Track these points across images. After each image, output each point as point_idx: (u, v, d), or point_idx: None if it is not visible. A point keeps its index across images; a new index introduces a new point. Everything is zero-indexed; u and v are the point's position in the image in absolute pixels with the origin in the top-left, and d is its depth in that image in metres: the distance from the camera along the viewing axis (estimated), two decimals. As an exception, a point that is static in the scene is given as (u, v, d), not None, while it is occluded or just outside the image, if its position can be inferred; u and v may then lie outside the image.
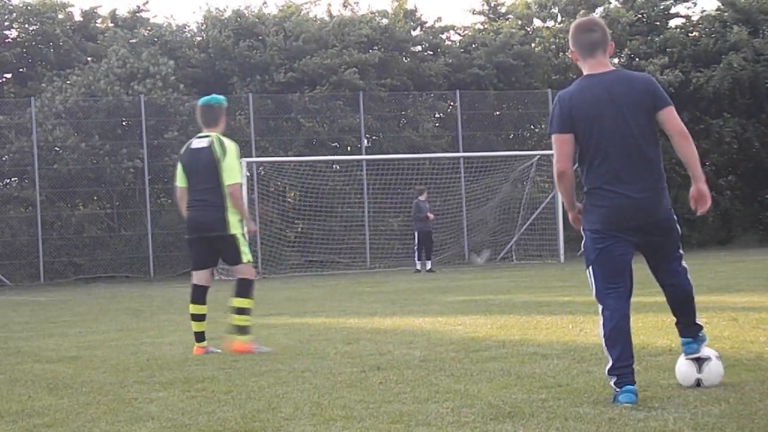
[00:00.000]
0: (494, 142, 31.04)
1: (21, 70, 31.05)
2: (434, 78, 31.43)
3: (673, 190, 33.20)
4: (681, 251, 6.11)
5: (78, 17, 31.46)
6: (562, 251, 27.33)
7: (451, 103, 31.29)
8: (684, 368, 6.14)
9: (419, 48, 33.10)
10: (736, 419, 4.96)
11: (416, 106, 31.33)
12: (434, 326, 10.22)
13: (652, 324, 9.35)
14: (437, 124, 31.75)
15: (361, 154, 29.41)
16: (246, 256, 8.78)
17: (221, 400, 6.22)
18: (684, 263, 6.11)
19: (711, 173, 33.15)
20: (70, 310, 15.66)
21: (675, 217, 6.13)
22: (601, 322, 5.85)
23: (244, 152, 28.48)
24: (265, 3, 49.26)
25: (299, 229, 28.95)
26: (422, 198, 24.88)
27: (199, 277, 8.93)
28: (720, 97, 32.39)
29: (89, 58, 30.14)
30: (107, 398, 6.49)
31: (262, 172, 28.00)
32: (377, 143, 30.80)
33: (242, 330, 8.70)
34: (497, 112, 32.34)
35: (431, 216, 24.68)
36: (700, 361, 6.09)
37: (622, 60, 33.44)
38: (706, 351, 6.19)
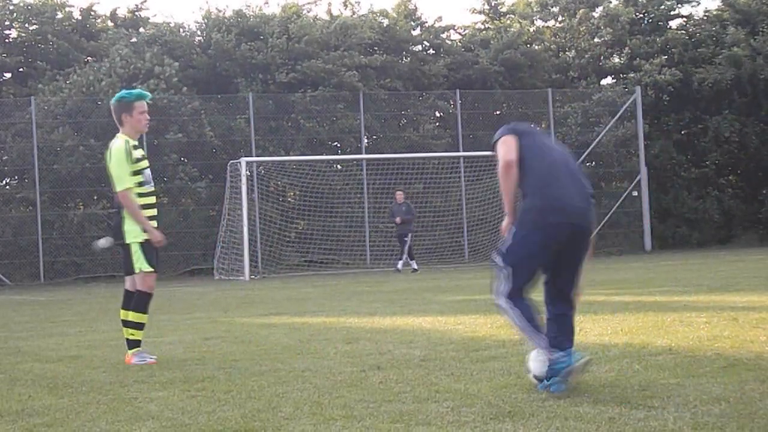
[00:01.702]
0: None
1: (20, 70, 31.06)
2: (434, 78, 31.45)
3: (672, 189, 33.36)
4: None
5: (77, 16, 31.45)
6: (562, 251, 27.30)
7: (452, 103, 31.31)
8: (533, 361, 6.30)
9: (420, 48, 33.12)
10: (736, 419, 4.96)
11: (416, 106, 31.34)
12: (434, 326, 10.22)
13: (651, 323, 9.35)
14: (437, 124, 31.76)
15: (361, 154, 29.41)
16: (138, 265, 8.28)
17: (221, 399, 6.22)
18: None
19: (711, 172, 33.18)
20: (71, 310, 15.67)
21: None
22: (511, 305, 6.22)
23: (245, 152, 28.56)
24: (266, 2, 49.27)
25: (299, 229, 28.96)
26: (397, 200, 25.05)
27: (127, 282, 8.56)
28: (719, 95, 32.40)
29: (89, 58, 30.14)
30: (107, 398, 6.49)
31: (263, 172, 28.01)
32: (377, 143, 30.81)
33: (128, 343, 8.32)
34: (497, 112, 32.35)
35: (398, 220, 24.84)
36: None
37: (622, 59, 33.45)
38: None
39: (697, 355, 7.13)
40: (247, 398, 6.21)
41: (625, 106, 31.31)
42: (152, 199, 8.46)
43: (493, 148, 6.37)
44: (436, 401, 5.83)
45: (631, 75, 32.29)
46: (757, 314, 9.68)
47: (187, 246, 27.82)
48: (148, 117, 8.49)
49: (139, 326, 8.37)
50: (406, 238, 24.74)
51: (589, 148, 31.09)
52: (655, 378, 6.26)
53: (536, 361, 6.12)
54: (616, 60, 34.01)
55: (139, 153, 8.43)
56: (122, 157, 8.25)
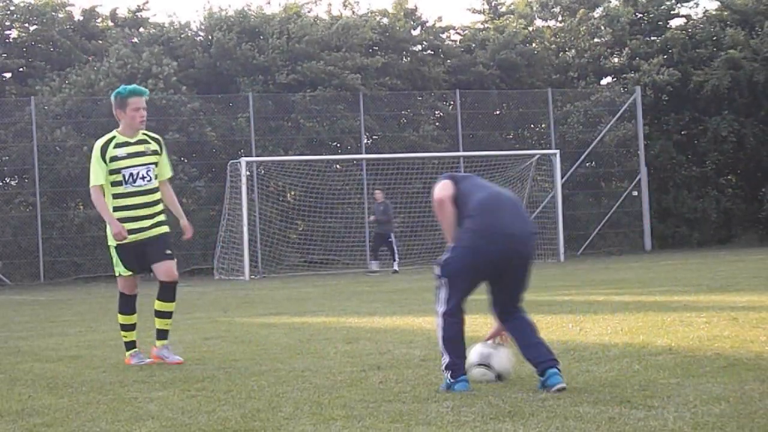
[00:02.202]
0: (494, 142, 31.05)
1: (21, 69, 31.06)
2: (434, 78, 31.44)
3: (672, 189, 33.36)
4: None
5: (78, 16, 31.45)
6: (562, 251, 27.33)
7: (451, 103, 31.31)
8: (473, 354, 6.57)
9: (419, 48, 33.11)
10: (736, 419, 4.96)
11: (416, 107, 31.34)
12: (434, 325, 10.21)
13: (651, 323, 9.35)
14: (437, 124, 31.76)
15: (361, 154, 29.41)
16: (116, 269, 8.29)
17: (221, 399, 6.22)
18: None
19: (711, 172, 33.18)
20: (71, 310, 15.67)
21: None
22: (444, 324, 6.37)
23: (245, 152, 28.56)
24: (268, 2, 49.27)
25: (299, 229, 28.95)
26: (376, 199, 25.05)
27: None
28: (718, 96, 32.41)
29: (90, 58, 30.14)
30: (107, 397, 6.49)
31: (263, 172, 28.01)
32: (377, 143, 30.81)
33: (124, 345, 8.40)
34: (497, 112, 32.35)
35: (371, 219, 25.05)
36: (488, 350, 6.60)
37: (622, 59, 33.45)
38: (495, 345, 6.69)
39: (697, 355, 7.13)
40: (247, 398, 6.21)
41: (624, 106, 31.32)
42: (134, 200, 8.15)
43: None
44: (436, 401, 5.83)
45: (631, 75, 32.29)
46: (757, 314, 9.69)
47: (187, 246, 27.75)
48: (144, 114, 8.22)
49: (124, 327, 8.35)
50: (390, 239, 24.59)
51: (589, 148, 31.09)
52: (655, 378, 6.26)
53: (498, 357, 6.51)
54: (616, 60, 34.01)
55: (121, 151, 8.14)
56: (96, 155, 8.16)
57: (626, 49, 33.29)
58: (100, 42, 30.63)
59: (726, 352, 7.23)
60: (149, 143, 8.27)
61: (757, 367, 6.51)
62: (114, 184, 8.11)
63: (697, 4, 47.20)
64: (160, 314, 8.28)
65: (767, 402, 5.35)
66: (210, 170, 28.92)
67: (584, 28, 33.96)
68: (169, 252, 8.23)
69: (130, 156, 8.13)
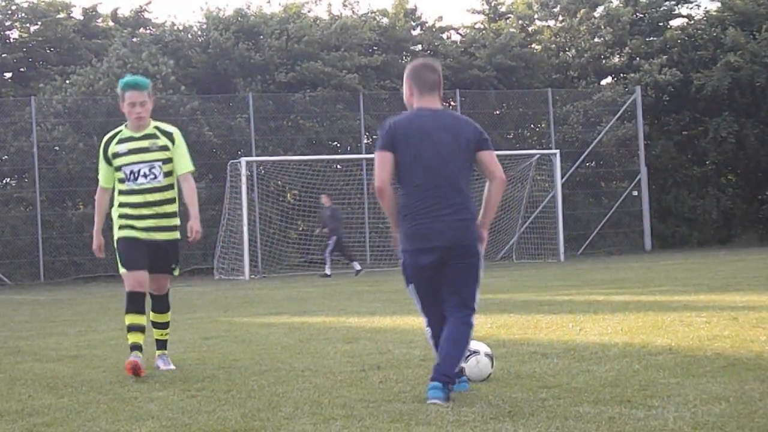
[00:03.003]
0: (494, 142, 30.95)
1: (21, 70, 31.06)
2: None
3: (672, 189, 33.35)
4: (474, 306, 6.13)
5: (79, 16, 31.45)
6: (562, 250, 27.33)
7: (451, 103, 31.31)
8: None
9: (419, 48, 33.11)
10: (736, 418, 4.96)
11: (416, 106, 31.33)
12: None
13: (651, 323, 9.35)
14: (437, 124, 31.73)
15: (360, 154, 29.41)
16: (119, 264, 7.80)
17: (221, 399, 6.22)
18: (472, 320, 6.11)
19: (711, 172, 33.19)
20: (71, 310, 15.67)
21: (481, 262, 6.11)
22: (430, 333, 6.15)
23: (245, 152, 28.56)
24: (268, 1, 49.28)
25: (299, 229, 28.94)
26: (324, 204, 24.66)
27: None
28: (719, 97, 32.42)
29: (91, 58, 30.15)
30: (107, 397, 6.48)
31: (263, 172, 28.01)
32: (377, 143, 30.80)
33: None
34: (497, 112, 32.35)
35: (319, 230, 24.87)
36: (468, 351, 6.33)
37: (622, 59, 33.45)
38: (478, 346, 6.53)
39: (697, 355, 7.13)
40: (247, 398, 6.21)
41: (625, 106, 31.32)
42: (136, 198, 7.64)
43: None
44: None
45: (632, 75, 32.29)
46: (757, 314, 9.68)
47: (187, 246, 27.77)
48: (140, 111, 7.61)
49: (128, 328, 7.69)
50: (329, 241, 24.20)
51: (590, 148, 31.10)
52: (655, 377, 6.26)
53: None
54: (616, 60, 34.01)
55: (123, 147, 7.64)
56: (99, 152, 7.80)
57: (626, 49, 33.29)
58: (100, 41, 30.61)
59: (726, 351, 7.22)
60: (157, 138, 7.68)
61: (757, 366, 6.51)
62: (119, 181, 7.70)
63: (698, 6, 47.01)
64: (155, 324, 7.97)
65: (767, 402, 5.35)
66: (210, 170, 28.92)
67: (584, 27, 33.96)
68: (173, 267, 7.85)
69: (131, 152, 7.63)
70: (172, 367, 7.70)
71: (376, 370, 7.10)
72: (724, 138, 32.15)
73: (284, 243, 27.83)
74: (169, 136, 7.72)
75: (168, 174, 7.66)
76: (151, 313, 7.90)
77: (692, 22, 34.95)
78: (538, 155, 28.97)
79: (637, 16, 34.51)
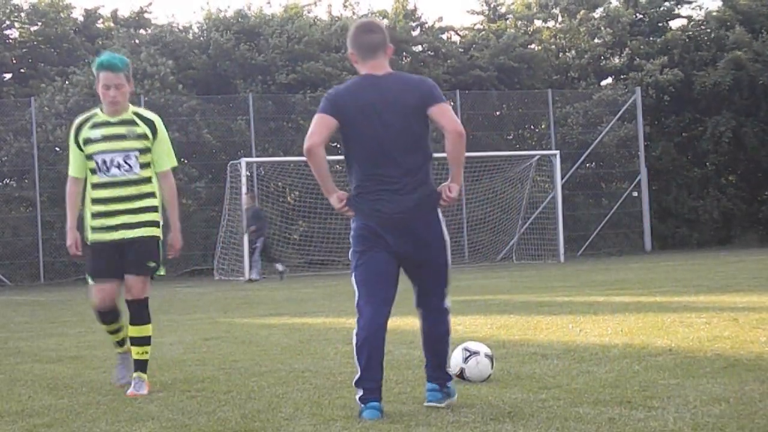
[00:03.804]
0: (494, 143, 31.04)
1: (21, 70, 31.07)
2: (434, 78, 31.44)
3: (673, 190, 33.26)
4: (445, 289, 5.79)
5: (80, 17, 31.47)
6: (562, 251, 27.33)
7: (452, 104, 31.31)
8: (454, 356, 6.47)
9: (420, 48, 33.11)
10: (736, 419, 4.96)
11: (416, 107, 31.34)
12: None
13: (651, 324, 9.35)
14: (437, 124, 31.76)
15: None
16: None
17: (221, 400, 6.22)
18: (446, 303, 5.83)
19: (711, 173, 33.18)
20: (71, 310, 15.66)
21: (446, 242, 5.72)
22: (355, 330, 5.65)
23: (245, 152, 28.55)
24: (268, 2, 49.33)
25: (300, 229, 28.94)
26: (245, 205, 24.04)
27: None
28: (719, 97, 32.41)
29: (90, 59, 30.17)
30: (107, 398, 6.48)
31: (263, 173, 28.00)
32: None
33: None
34: (497, 113, 32.35)
35: (248, 230, 23.96)
36: (468, 352, 6.40)
37: (622, 59, 33.46)
38: (478, 347, 6.53)
39: (697, 356, 7.13)
40: (247, 399, 6.21)
41: (625, 107, 31.32)
42: (108, 192, 6.69)
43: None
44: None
45: (632, 74, 32.29)
46: (757, 315, 9.68)
47: (187, 246, 27.75)
48: (115, 94, 6.70)
49: (109, 332, 7.08)
50: (255, 245, 23.59)
51: (590, 149, 31.09)
52: (655, 378, 6.26)
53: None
54: (617, 60, 34.02)
55: (96, 133, 6.70)
56: (70, 137, 6.85)
57: (626, 49, 33.29)
58: (101, 41, 30.62)
59: (726, 352, 7.22)
60: (136, 125, 6.74)
61: (757, 367, 6.51)
62: (90, 172, 6.73)
63: (701, 7, 46.97)
64: (132, 340, 6.78)
65: (767, 402, 5.35)
66: (210, 171, 28.92)
67: (584, 28, 33.96)
68: (151, 264, 6.73)
69: (105, 139, 6.66)
70: (144, 392, 6.55)
71: (376, 371, 7.09)
72: (724, 138, 32.14)
73: (284, 244, 27.83)
74: (149, 124, 6.78)
75: (146, 165, 6.73)
76: (128, 327, 6.78)
77: (693, 22, 34.96)
78: (538, 156, 28.97)
79: (637, 16, 34.52)
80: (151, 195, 6.75)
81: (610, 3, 34.48)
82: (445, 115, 5.59)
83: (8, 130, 27.88)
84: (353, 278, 5.79)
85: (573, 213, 30.32)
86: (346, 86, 5.75)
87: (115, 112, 6.72)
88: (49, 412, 6.02)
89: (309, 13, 32.49)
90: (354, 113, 5.54)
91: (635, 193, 31.23)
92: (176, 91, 28.49)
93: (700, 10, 49.10)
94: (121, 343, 7.03)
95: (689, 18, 35.37)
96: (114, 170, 6.65)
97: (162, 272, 6.87)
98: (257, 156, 28.14)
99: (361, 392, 5.48)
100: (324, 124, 5.54)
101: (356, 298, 5.72)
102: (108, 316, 6.86)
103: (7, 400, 6.55)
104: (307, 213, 27.94)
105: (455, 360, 6.51)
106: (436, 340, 5.87)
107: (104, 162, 6.65)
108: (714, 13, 34.64)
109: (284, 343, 9.32)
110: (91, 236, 6.74)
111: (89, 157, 6.69)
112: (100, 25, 32.07)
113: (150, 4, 32.70)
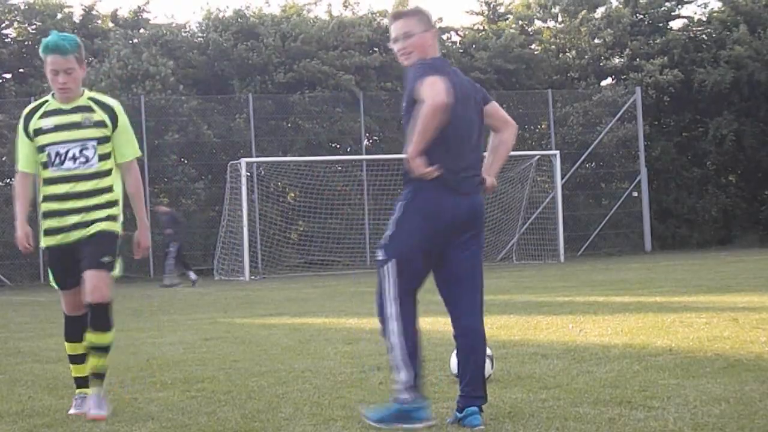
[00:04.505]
0: (494, 142, 31.02)
1: (21, 69, 31.06)
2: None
3: (673, 190, 33.28)
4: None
5: (78, 16, 31.46)
6: (562, 251, 27.33)
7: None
8: (454, 356, 6.27)
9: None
10: (736, 419, 4.96)
11: (416, 107, 31.36)
12: (433, 326, 10.20)
13: (651, 324, 9.35)
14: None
15: (361, 155, 29.41)
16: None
17: (221, 400, 6.22)
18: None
19: (711, 173, 33.19)
20: (71, 311, 15.64)
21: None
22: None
23: (244, 152, 28.55)
24: (267, 2, 49.33)
25: (299, 230, 28.95)
26: (161, 212, 23.48)
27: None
28: (719, 97, 32.42)
29: (91, 58, 30.16)
30: (107, 398, 6.48)
31: (263, 173, 28.01)
32: (377, 144, 30.81)
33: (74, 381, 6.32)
34: (497, 112, 32.32)
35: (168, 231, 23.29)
36: None
37: (622, 60, 33.46)
38: None
39: (697, 356, 7.13)
40: (247, 399, 6.21)
41: (625, 107, 31.33)
42: (61, 188, 5.92)
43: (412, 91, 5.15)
44: (436, 401, 5.82)
45: (632, 74, 32.30)
46: (757, 315, 9.69)
47: (188, 246, 27.81)
48: (65, 81, 5.91)
49: (71, 359, 6.17)
50: (170, 248, 22.98)
51: (590, 149, 31.10)
52: (655, 378, 6.26)
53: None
54: (617, 61, 34.02)
55: (47, 123, 5.94)
56: (18, 128, 6.06)
57: (627, 50, 33.30)
58: (100, 41, 30.62)
59: (726, 352, 7.22)
60: (92, 112, 5.99)
61: (757, 367, 6.51)
62: (42, 166, 5.96)
63: (706, 5, 46.73)
64: (92, 350, 5.93)
65: (767, 402, 5.35)
66: (210, 171, 28.92)
67: (585, 29, 33.97)
68: (106, 259, 5.91)
69: (57, 129, 5.92)
70: (104, 412, 5.76)
71: (376, 371, 7.10)
72: (724, 138, 32.14)
73: (284, 244, 27.83)
74: (108, 110, 6.01)
75: (105, 157, 5.96)
76: (87, 335, 5.93)
77: (693, 22, 34.96)
78: (538, 156, 28.97)
79: (637, 16, 34.51)
80: (110, 190, 6.02)
81: (611, 3, 34.49)
82: (501, 110, 5.49)
83: (9, 129, 27.86)
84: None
85: (573, 213, 30.32)
86: (434, 59, 5.26)
87: (67, 99, 5.97)
88: (49, 413, 6.02)
89: (309, 12, 32.50)
90: (456, 91, 5.14)
91: (635, 193, 31.23)
92: (177, 92, 28.50)
93: (705, 8, 49.22)
94: (83, 382, 6.04)
95: (690, 18, 35.38)
96: (69, 163, 5.89)
97: (117, 272, 6.05)
98: (257, 156, 28.14)
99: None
100: (449, 87, 5.02)
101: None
102: (79, 323, 6.01)
103: (7, 400, 6.55)
104: (306, 213, 27.95)
105: (455, 360, 6.50)
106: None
107: (57, 154, 5.89)
108: (715, 13, 34.65)
109: (284, 343, 9.32)
110: (45, 240, 5.99)
111: (41, 149, 5.92)
112: (99, 24, 32.04)
113: (147, 3, 32.62)
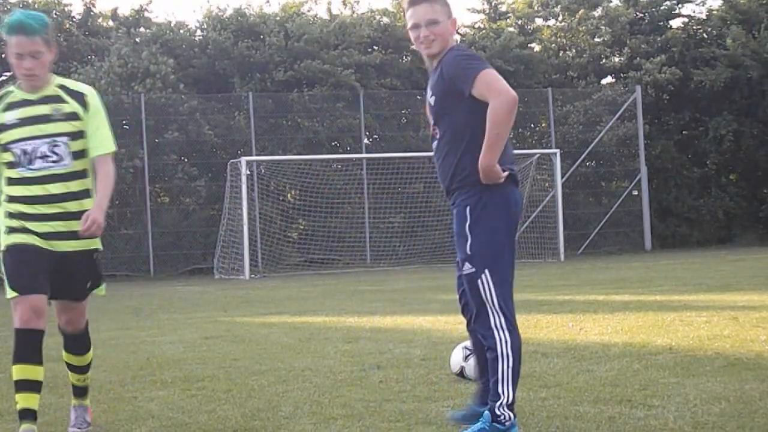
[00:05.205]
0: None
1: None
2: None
3: (673, 189, 33.28)
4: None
5: (78, 14, 31.44)
6: (562, 250, 27.33)
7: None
8: (454, 355, 6.40)
9: (420, 47, 33.10)
10: (736, 418, 4.96)
11: (416, 106, 31.34)
12: (434, 325, 10.22)
13: (651, 322, 9.35)
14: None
15: (361, 153, 29.41)
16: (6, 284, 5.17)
17: (221, 398, 6.22)
18: None
19: (711, 172, 33.18)
20: (71, 309, 15.64)
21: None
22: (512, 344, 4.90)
23: (244, 151, 28.56)
24: (267, 1, 49.32)
25: (299, 228, 28.95)
26: None
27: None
28: (719, 96, 32.41)
29: (91, 57, 30.15)
30: (107, 397, 6.48)
31: (263, 171, 28.00)
32: (377, 142, 30.81)
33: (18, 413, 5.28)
34: (497, 111, 32.30)
35: None
36: (468, 351, 6.22)
37: (622, 59, 33.45)
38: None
39: (698, 355, 7.13)
40: (247, 397, 6.21)
41: (625, 105, 31.32)
42: (29, 190, 5.13)
43: (466, 82, 4.83)
44: (436, 401, 5.83)
45: (632, 73, 32.29)
46: (758, 313, 9.69)
47: (188, 245, 27.82)
48: (30, 66, 5.12)
49: (17, 386, 5.11)
50: None
51: (590, 148, 31.09)
52: (655, 377, 6.26)
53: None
54: (616, 59, 34.01)
55: (11, 116, 5.16)
56: None
57: (626, 48, 33.30)
58: (101, 40, 30.62)
59: (726, 351, 7.22)
60: (63, 102, 5.21)
61: (757, 366, 6.51)
62: (7, 166, 5.20)
63: (704, 3, 46.73)
64: (70, 367, 5.65)
65: (767, 401, 5.35)
66: (210, 169, 28.92)
67: (584, 28, 33.96)
68: (88, 288, 5.44)
69: (24, 123, 5.13)
70: (89, 418, 5.52)
71: (376, 370, 7.11)
72: (725, 137, 32.14)
73: (285, 242, 27.83)
74: (80, 98, 5.23)
75: (79, 155, 5.20)
76: (64, 352, 5.60)
77: (693, 20, 34.95)
78: (538, 155, 28.96)
79: (637, 15, 34.50)
80: (87, 194, 5.24)
81: (610, 2, 34.47)
82: None
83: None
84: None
85: (573, 212, 30.32)
86: (467, 49, 5.14)
87: (34, 88, 5.19)
88: (49, 411, 6.02)
89: (309, 11, 32.49)
90: None
91: (635, 192, 31.22)
92: (177, 90, 28.50)
93: (704, 5, 49.27)
94: (29, 416, 5.06)
95: (689, 17, 35.38)
96: (38, 162, 5.11)
97: (103, 292, 5.56)
98: (257, 154, 28.14)
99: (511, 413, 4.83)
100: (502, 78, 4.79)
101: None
102: (35, 341, 5.09)
103: (7, 399, 6.54)
104: (307, 211, 27.94)
105: (455, 359, 6.51)
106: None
107: (25, 153, 5.12)
108: (715, 12, 34.64)
109: (284, 341, 9.32)
110: (7, 239, 5.15)
111: (5, 147, 5.16)
112: (100, 22, 32.02)
113: (150, 2, 32.64)
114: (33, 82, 5.17)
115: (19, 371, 5.05)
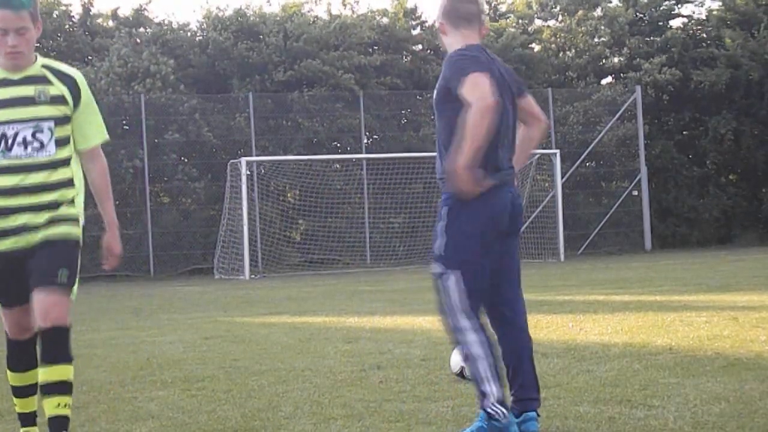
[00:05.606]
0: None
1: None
2: (435, 77, 31.43)
3: (673, 189, 33.28)
4: None
5: (77, 13, 31.44)
6: (562, 250, 27.33)
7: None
8: (455, 355, 6.29)
9: (420, 47, 33.11)
10: (736, 418, 4.96)
11: (416, 106, 31.35)
12: (434, 325, 10.21)
13: (651, 323, 9.35)
14: (437, 124, 31.75)
15: (361, 154, 29.41)
16: None
17: (221, 398, 6.22)
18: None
19: (711, 171, 33.19)
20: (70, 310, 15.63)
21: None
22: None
23: (244, 151, 28.56)
24: (268, 1, 49.33)
25: (300, 228, 28.94)
26: None
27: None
28: (718, 96, 32.42)
29: (91, 56, 30.16)
30: (107, 397, 6.48)
31: (263, 171, 28.00)
32: (377, 142, 30.80)
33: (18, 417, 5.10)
34: (497, 112, 32.30)
35: None
36: None
37: (622, 59, 33.46)
38: None
39: (697, 355, 7.13)
40: (247, 397, 6.21)
41: (625, 106, 31.32)
42: (7, 180, 4.63)
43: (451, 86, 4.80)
44: (436, 401, 5.83)
45: (632, 74, 32.30)
46: (757, 314, 9.69)
47: (188, 245, 27.82)
48: (16, 42, 4.60)
49: (15, 392, 4.93)
50: None
51: (590, 148, 31.09)
52: (655, 377, 6.26)
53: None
54: (616, 60, 34.01)
55: None
56: None
57: (625, 49, 33.31)
58: (101, 40, 30.61)
59: (726, 351, 7.22)
60: (48, 84, 4.77)
61: (757, 366, 6.51)
62: None
63: (702, 4, 46.74)
64: (44, 388, 4.54)
65: (767, 401, 5.35)
66: (210, 170, 28.91)
67: (583, 28, 33.97)
68: (62, 275, 4.60)
69: (4, 105, 4.65)
70: None
71: (376, 370, 7.11)
72: (724, 137, 32.14)
73: (285, 243, 27.83)
74: (68, 81, 4.86)
75: (63, 142, 4.77)
76: (39, 367, 4.62)
77: (692, 21, 34.96)
78: (538, 155, 28.95)
79: (636, 15, 34.51)
80: (69, 184, 4.80)
81: (610, 2, 34.48)
82: (535, 105, 5.25)
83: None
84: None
85: (573, 212, 30.32)
86: (469, 48, 4.94)
87: (16, 67, 4.69)
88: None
89: (309, 12, 32.49)
90: (496, 80, 4.84)
91: (635, 192, 31.22)
92: (177, 91, 28.50)
93: (702, 6, 49.29)
94: (29, 420, 4.96)
95: (689, 17, 35.39)
96: (17, 149, 4.62)
97: (74, 294, 4.77)
98: (257, 155, 28.14)
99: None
100: (492, 83, 4.69)
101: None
102: (26, 349, 4.81)
103: (7, 399, 6.54)
104: (307, 212, 27.95)
105: (455, 359, 6.50)
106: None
107: (4, 137, 4.62)
108: (714, 12, 34.65)
109: (284, 341, 9.32)
110: None
111: None
112: (100, 22, 32.02)
113: (150, 2, 32.65)
114: (17, 60, 4.66)
115: (15, 378, 4.89)
